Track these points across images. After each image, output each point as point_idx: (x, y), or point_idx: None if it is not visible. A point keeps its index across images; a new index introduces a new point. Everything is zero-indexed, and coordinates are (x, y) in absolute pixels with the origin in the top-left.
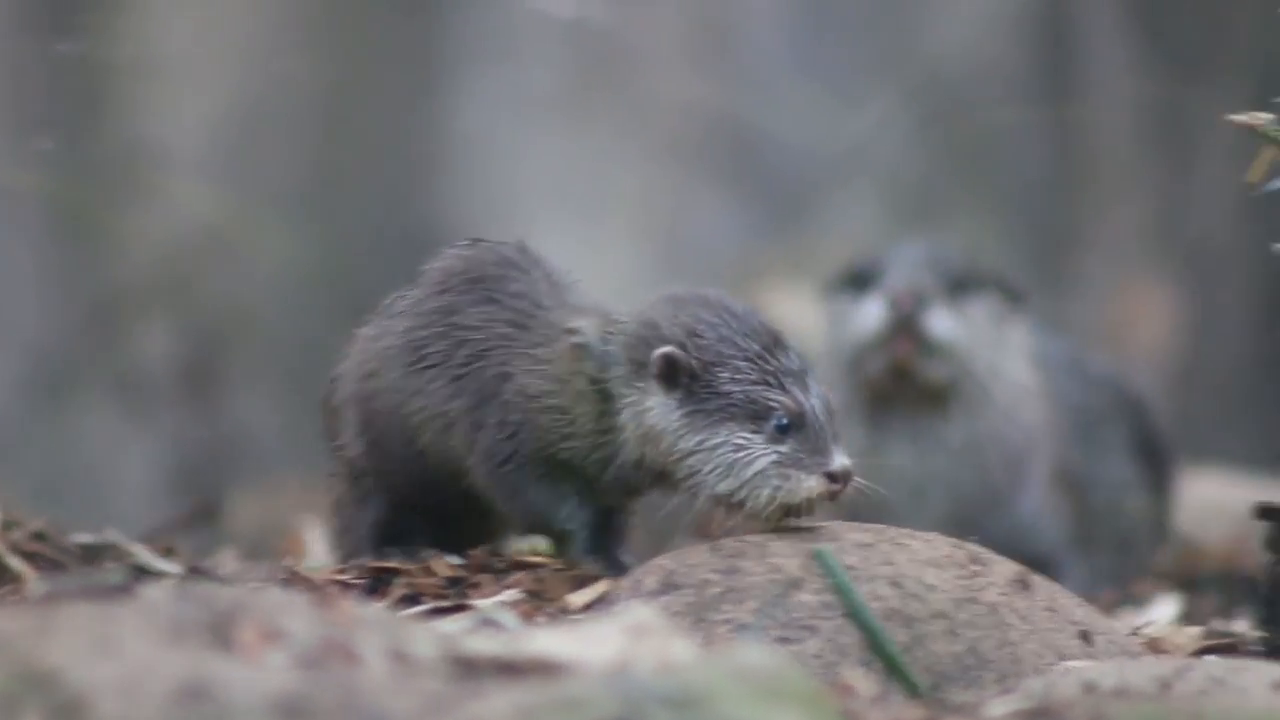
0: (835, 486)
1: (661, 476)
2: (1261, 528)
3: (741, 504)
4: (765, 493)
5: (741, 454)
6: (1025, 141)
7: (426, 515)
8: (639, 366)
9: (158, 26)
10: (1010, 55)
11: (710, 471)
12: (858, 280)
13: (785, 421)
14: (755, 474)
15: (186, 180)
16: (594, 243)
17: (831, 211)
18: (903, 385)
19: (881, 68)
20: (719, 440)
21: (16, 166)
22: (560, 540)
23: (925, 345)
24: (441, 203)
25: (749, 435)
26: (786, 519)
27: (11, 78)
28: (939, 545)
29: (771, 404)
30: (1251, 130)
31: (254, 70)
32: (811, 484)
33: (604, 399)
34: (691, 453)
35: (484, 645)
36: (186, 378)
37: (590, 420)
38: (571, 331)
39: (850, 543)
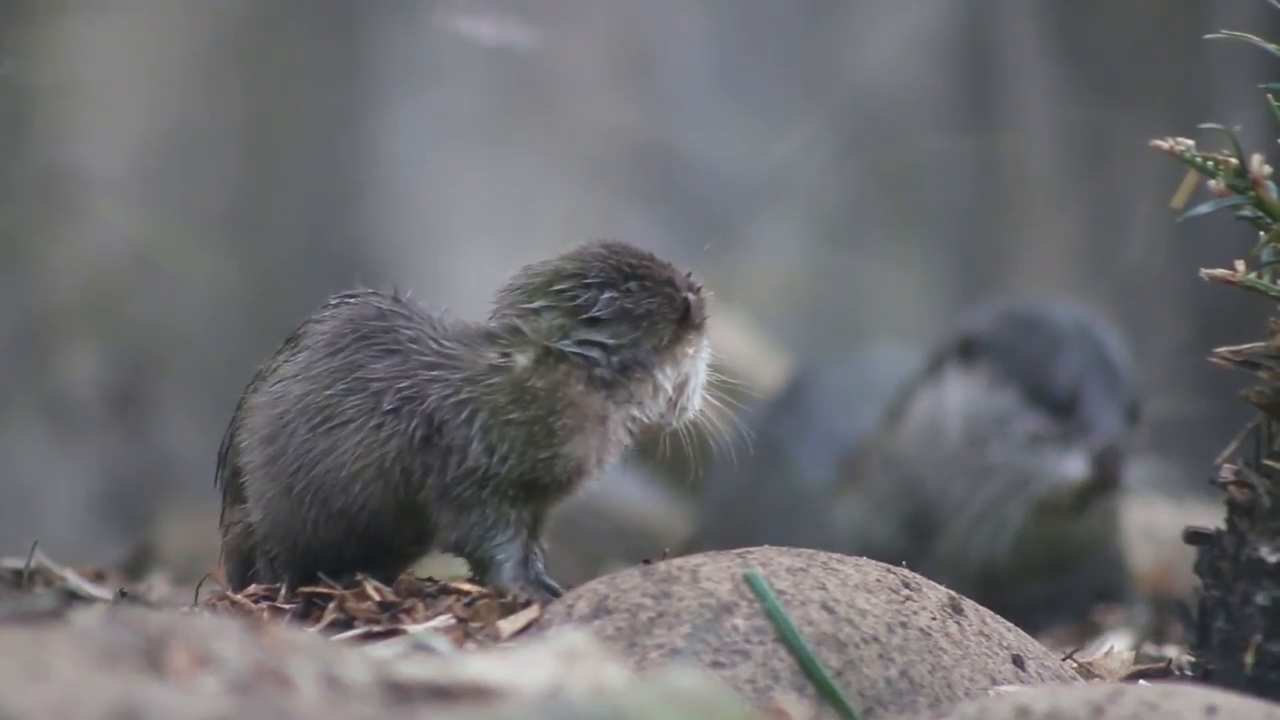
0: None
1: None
2: (1193, 552)
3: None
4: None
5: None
6: (951, 166)
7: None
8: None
9: (82, 49)
10: (935, 80)
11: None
12: (1024, 382)
13: None
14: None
15: (113, 203)
16: (518, 265)
17: (756, 235)
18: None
19: (806, 92)
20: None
21: None
22: (483, 568)
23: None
24: (367, 226)
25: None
26: None
27: None
28: (870, 570)
29: None
30: (1174, 156)
31: (180, 92)
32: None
33: (547, 400)
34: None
35: (417, 670)
36: (115, 401)
37: (542, 425)
38: (506, 355)
39: (781, 567)
